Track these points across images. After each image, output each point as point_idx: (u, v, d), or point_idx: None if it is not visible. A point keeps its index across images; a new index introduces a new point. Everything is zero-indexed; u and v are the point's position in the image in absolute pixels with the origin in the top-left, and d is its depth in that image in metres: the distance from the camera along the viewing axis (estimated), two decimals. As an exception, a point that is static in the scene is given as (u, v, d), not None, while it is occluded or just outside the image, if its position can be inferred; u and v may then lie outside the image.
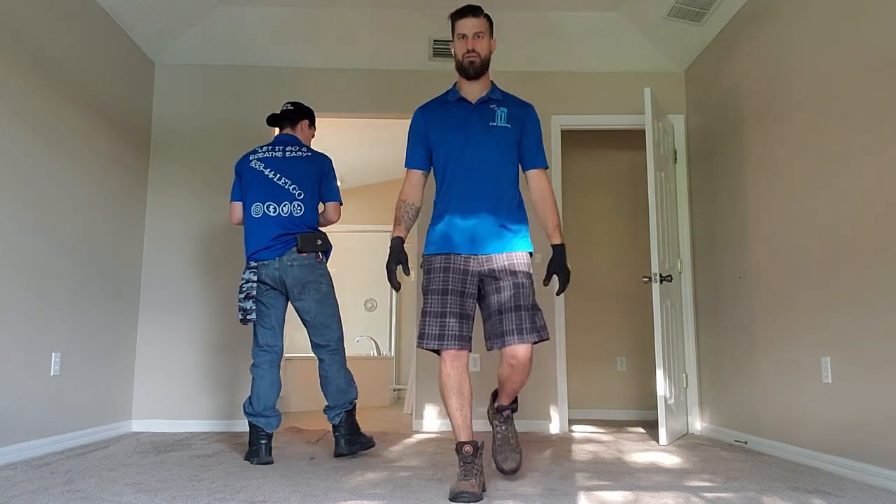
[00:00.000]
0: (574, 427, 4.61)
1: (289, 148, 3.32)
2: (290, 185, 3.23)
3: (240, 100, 4.65)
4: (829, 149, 3.00)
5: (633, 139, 5.61)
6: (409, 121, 2.69)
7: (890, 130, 2.61)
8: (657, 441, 3.85)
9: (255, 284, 3.14)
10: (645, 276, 4.20)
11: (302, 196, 3.23)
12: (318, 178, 3.30)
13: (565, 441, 3.89)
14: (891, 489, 2.52)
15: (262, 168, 3.26)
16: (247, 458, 3.09)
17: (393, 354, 7.28)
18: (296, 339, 7.23)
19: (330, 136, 6.10)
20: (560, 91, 4.75)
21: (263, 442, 3.08)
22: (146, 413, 4.28)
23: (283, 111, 3.43)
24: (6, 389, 3.03)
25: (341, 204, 3.40)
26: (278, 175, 3.24)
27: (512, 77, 4.75)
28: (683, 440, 3.97)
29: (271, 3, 4.18)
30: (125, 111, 4.19)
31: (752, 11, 3.74)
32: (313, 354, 3.30)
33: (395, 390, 7.23)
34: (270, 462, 3.05)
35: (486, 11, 2.62)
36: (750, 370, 3.69)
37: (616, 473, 2.82)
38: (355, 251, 7.72)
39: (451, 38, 2.61)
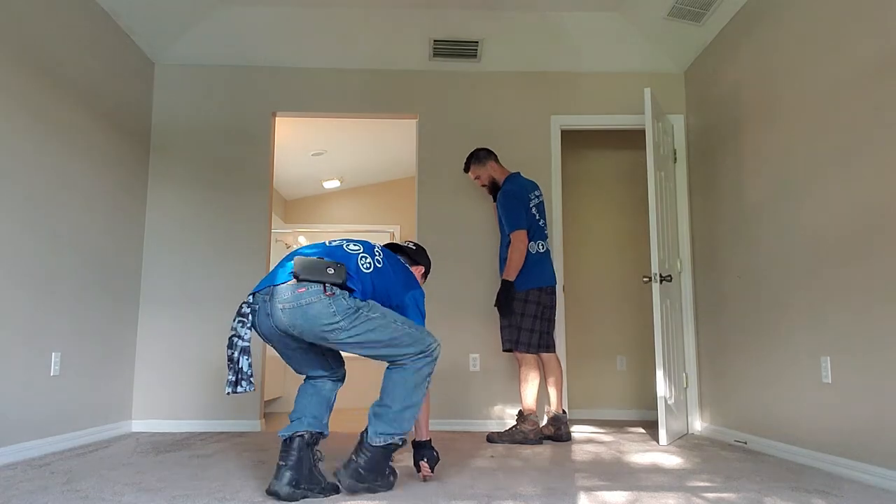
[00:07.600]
0: (574, 427, 4.60)
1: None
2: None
3: (240, 100, 4.65)
4: (827, 149, 3.00)
5: (633, 139, 5.61)
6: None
7: (886, 131, 2.61)
8: (657, 441, 3.85)
9: None
10: (645, 276, 4.20)
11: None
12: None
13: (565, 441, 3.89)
14: (891, 489, 2.52)
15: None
16: None
17: (393, 354, 7.25)
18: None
19: (330, 136, 6.10)
20: (560, 91, 4.75)
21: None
22: (146, 413, 4.28)
23: (405, 247, 2.90)
24: (6, 389, 3.03)
25: None
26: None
27: (512, 77, 4.75)
28: (683, 440, 3.97)
29: (271, 3, 4.18)
30: (125, 111, 4.19)
31: (752, 12, 3.74)
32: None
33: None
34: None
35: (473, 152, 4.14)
36: (750, 370, 3.70)
37: (616, 473, 2.82)
38: (355, 251, 7.69)
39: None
